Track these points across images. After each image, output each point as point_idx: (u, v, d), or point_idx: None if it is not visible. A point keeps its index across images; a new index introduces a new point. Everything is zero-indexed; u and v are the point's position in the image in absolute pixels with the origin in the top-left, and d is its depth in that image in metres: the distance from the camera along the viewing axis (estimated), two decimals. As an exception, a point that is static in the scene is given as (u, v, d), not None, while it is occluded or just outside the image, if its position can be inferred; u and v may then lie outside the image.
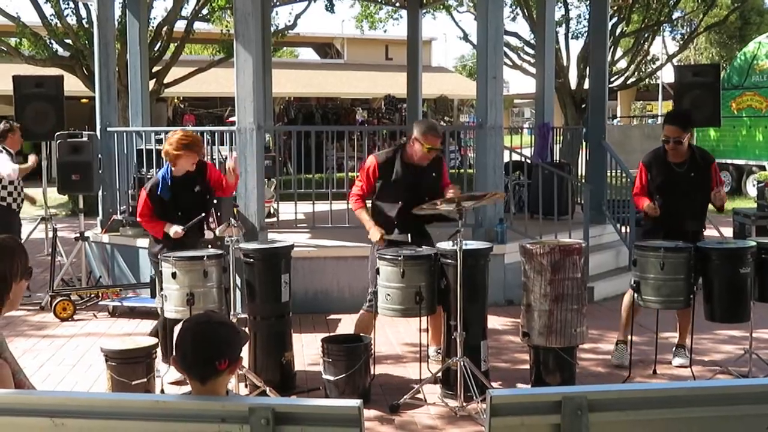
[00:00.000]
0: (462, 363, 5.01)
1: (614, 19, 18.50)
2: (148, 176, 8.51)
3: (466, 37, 21.90)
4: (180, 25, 16.79)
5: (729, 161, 18.51)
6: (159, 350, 5.22)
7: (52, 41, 15.63)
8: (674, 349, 6.04)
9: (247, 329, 5.45)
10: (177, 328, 5.61)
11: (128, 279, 8.34)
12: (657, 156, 5.84)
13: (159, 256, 5.46)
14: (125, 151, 8.83)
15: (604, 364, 6.07)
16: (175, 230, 5.61)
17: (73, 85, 13.74)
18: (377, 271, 5.30)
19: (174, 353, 2.43)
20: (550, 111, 10.79)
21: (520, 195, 10.04)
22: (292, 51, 40.09)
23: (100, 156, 8.40)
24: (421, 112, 13.64)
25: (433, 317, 5.63)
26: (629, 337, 5.88)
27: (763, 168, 17.49)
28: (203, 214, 5.77)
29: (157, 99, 17.81)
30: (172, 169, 5.70)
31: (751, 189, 17.05)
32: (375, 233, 5.49)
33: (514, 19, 20.63)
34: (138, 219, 5.96)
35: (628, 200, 8.81)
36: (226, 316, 4.62)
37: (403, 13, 17.30)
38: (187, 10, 16.83)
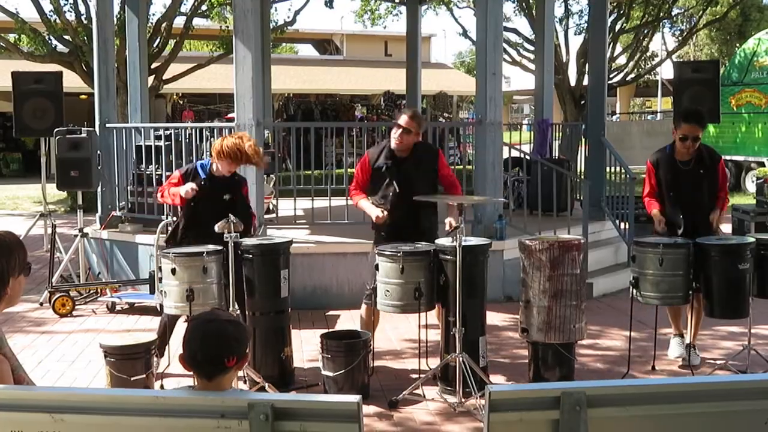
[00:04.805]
0: (461, 359, 5.02)
1: (614, 15, 18.48)
2: (147, 172, 8.52)
3: (465, 34, 21.89)
4: (179, 22, 16.79)
5: (728, 158, 18.48)
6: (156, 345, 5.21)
7: (51, 37, 15.60)
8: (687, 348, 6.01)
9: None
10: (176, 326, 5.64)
11: (127, 275, 8.36)
12: (663, 155, 5.95)
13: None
14: (124, 148, 8.83)
15: (602, 359, 6.08)
16: (187, 189, 5.43)
17: (72, 81, 13.75)
18: (376, 267, 5.31)
19: (182, 351, 2.44)
20: (549, 107, 10.79)
21: (519, 191, 10.05)
22: (292, 47, 40.09)
23: (99, 152, 8.40)
24: (420, 108, 13.63)
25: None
26: (681, 330, 6.06)
27: (762, 164, 17.50)
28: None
29: (156, 95, 17.80)
30: (212, 165, 5.65)
31: (750, 185, 17.06)
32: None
33: (517, 14, 20.60)
34: (158, 192, 5.86)
35: (627, 197, 8.82)
36: (232, 314, 4.64)
37: (403, 9, 17.29)
38: (186, 7, 16.84)
